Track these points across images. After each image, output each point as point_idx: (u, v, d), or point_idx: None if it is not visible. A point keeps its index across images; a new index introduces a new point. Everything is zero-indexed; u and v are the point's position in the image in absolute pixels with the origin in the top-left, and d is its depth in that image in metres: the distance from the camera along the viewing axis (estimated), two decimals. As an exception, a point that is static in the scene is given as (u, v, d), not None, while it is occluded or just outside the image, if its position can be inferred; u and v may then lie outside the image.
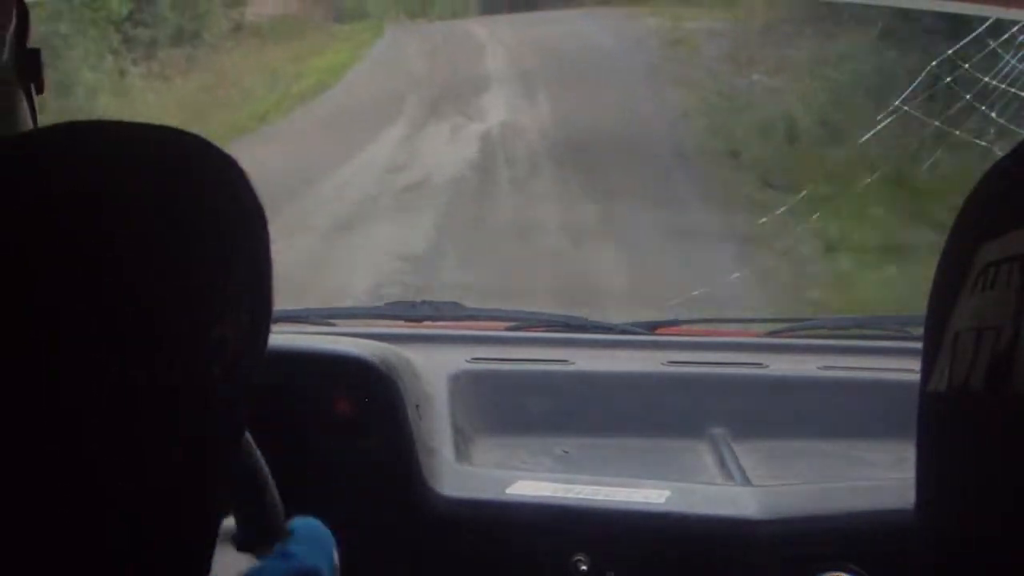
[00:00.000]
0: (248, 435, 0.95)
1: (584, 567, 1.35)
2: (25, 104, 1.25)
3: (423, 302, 1.90)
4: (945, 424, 0.53)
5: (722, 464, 1.53)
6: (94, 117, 0.70)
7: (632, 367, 1.73)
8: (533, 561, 1.40)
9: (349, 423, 1.42)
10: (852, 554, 1.35)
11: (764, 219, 4.90)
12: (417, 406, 1.48)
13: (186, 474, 0.64)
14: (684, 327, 1.91)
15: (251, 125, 7.94)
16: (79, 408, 0.60)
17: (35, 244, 0.60)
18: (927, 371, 0.54)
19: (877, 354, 1.79)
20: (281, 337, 1.52)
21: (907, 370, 1.64)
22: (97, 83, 7.77)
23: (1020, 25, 1.75)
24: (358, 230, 5.83)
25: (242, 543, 0.92)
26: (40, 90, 1.27)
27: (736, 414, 1.64)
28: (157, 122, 0.68)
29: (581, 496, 1.40)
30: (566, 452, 1.58)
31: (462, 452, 1.51)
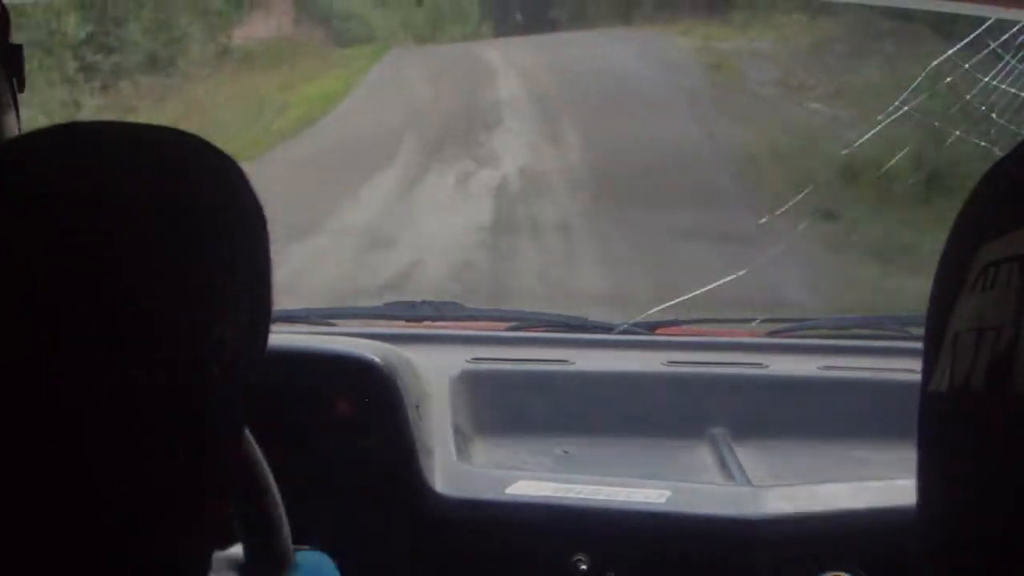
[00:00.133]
0: (259, 455, 0.94)
1: (584, 567, 1.35)
2: (9, 98, 1.24)
3: (423, 302, 1.90)
4: (946, 424, 0.53)
5: (722, 464, 1.53)
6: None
7: (632, 367, 1.73)
8: (533, 561, 1.40)
9: (349, 423, 1.42)
10: (852, 554, 1.35)
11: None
12: (417, 406, 1.48)
13: (185, 474, 0.64)
14: (684, 327, 1.91)
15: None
16: (79, 408, 0.60)
17: (35, 244, 0.60)
18: (928, 371, 0.54)
19: (877, 354, 1.79)
20: (281, 337, 1.52)
21: (907, 370, 1.64)
22: (42, 116, 6.06)
23: (1020, 25, 1.75)
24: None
25: (248, 572, 0.91)
26: (21, 88, 1.25)
27: (736, 414, 1.64)
28: None
29: (581, 496, 1.40)
30: (566, 452, 1.58)
31: (462, 452, 1.51)
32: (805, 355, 1.79)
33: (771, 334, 1.88)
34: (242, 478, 0.94)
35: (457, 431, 1.54)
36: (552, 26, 11.31)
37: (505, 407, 1.63)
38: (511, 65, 9.90)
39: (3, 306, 0.60)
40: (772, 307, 2.09)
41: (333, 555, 0.96)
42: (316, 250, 5.13)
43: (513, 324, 1.90)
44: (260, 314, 0.68)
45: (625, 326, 1.85)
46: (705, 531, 1.38)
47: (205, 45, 8.97)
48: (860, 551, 1.35)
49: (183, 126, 0.66)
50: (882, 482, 1.44)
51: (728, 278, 2.31)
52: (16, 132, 1.22)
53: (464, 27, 11.69)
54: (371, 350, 1.49)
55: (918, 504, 0.55)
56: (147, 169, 0.65)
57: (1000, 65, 2.08)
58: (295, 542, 0.96)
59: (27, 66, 1.24)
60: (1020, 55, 1.99)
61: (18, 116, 1.24)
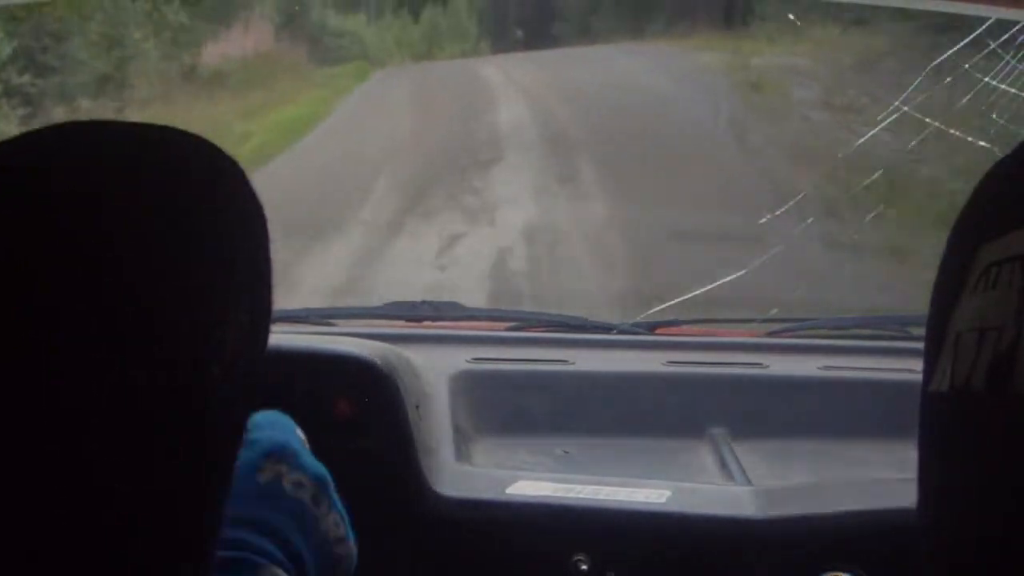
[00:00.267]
0: None
1: (584, 567, 1.35)
2: None
3: (423, 302, 1.90)
4: (947, 424, 0.53)
5: (722, 464, 1.53)
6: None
7: (632, 367, 1.73)
8: (533, 561, 1.39)
9: (349, 423, 1.42)
10: (852, 554, 1.35)
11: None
12: (417, 406, 1.48)
13: (185, 474, 0.64)
14: (684, 327, 1.91)
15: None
16: (79, 408, 0.60)
17: (35, 244, 0.60)
18: (929, 371, 0.54)
19: (877, 354, 1.79)
20: (281, 337, 1.52)
21: (907, 370, 1.64)
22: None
23: (1020, 25, 1.75)
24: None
25: None
26: None
27: (736, 414, 1.63)
28: None
29: (581, 496, 1.40)
30: (566, 452, 1.58)
31: (462, 452, 1.51)
32: (805, 355, 1.79)
33: (771, 334, 1.88)
34: None
35: (457, 431, 1.54)
36: (554, 41, 10.69)
37: (505, 407, 1.63)
38: (512, 85, 8.80)
39: (3, 306, 0.59)
40: (772, 307, 2.07)
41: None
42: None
43: (513, 324, 1.90)
44: (260, 314, 0.68)
45: (625, 326, 1.85)
46: (705, 531, 1.38)
47: (166, 64, 8.01)
48: (860, 551, 1.35)
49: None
50: (882, 482, 1.44)
51: (727, 278, 2.31)
52: None
53: (462, 44, 11.13)
54: (371, 350, 1.49)
55: (919, 504, 0.55)
56: (147, 169, 0.65)
57: (1000, 65, 2.08)
58: None
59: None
60: (1020, 55, 1.99)
61: None
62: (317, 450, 1.40)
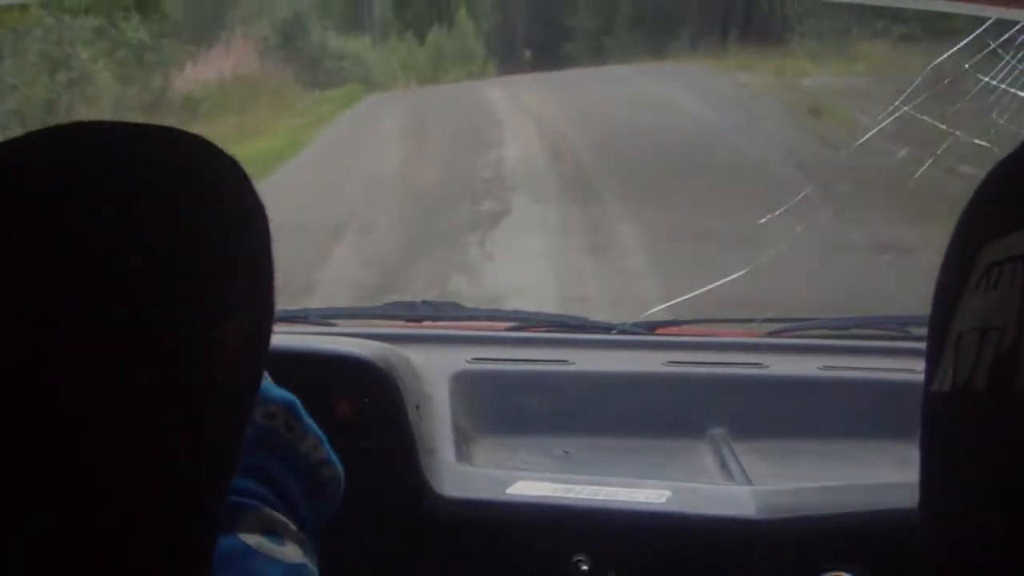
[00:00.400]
0: None
1: (585, 567, 1.35)
2: None
3: (423, 302, 1.90)
4: (948, 424, 0.53)
5: (722, 464, 1.53)
6: None
7: (632, 367, 1.73)
8: (533, 561, 1.39)
9: (349, 423, 1.42)
10: (853, 554, 1.35)
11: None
12: (417, 406, 1.48)
13: (186, 475, 0.64)
14: (684, 327, 1.92)
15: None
16: (79, 408, 0.60)
17: (36, 244, 0.60)
18: (931, 371, 0.54)
19: (877, 354, 1.79)
20: (281, 337, 1.51)
21: (907, 370, 1.64)
22: None
23: (1020, 25, 1.75)
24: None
25: None
26: None
27: (736, 414, 1.63)
28: None
29: (582, 496, 1.40)
30: (566, 452, 1.58)
31: (462, 452, 1.51)
32: (805, 355, 1.79)
33: (771, 334, 1.88)
34: None
35: (457, 431, 1.54)
36: (565, 62, 9.84)
37: (505, 407, 1.63)
38: (521, 110, 7.60)
39: (3, 306, 0.59)
40: (772, 307, 2.07)
41: (333, 555, 0.95)
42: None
43: (513, 324, 1.90)
44: (263, 315, 0.68)
45: (625, 326, 1.84)
46: (705, 531, 1.38)
47: (123, 88, 7.00)
48: (860, 551, 1.35)
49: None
50: (882, 482, 1.44)
51: (728, 278, 2.31)
52: None
53: (469, 66, 10.46)
54: (371, 350, 1.49)
55: (920, 504, 0.55)
56: (149, 169, 0.65)
57: (1000, 65, 2.08)
58: None
59: None
60: (1020, 55, 1.99)
61: None
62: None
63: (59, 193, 0.61)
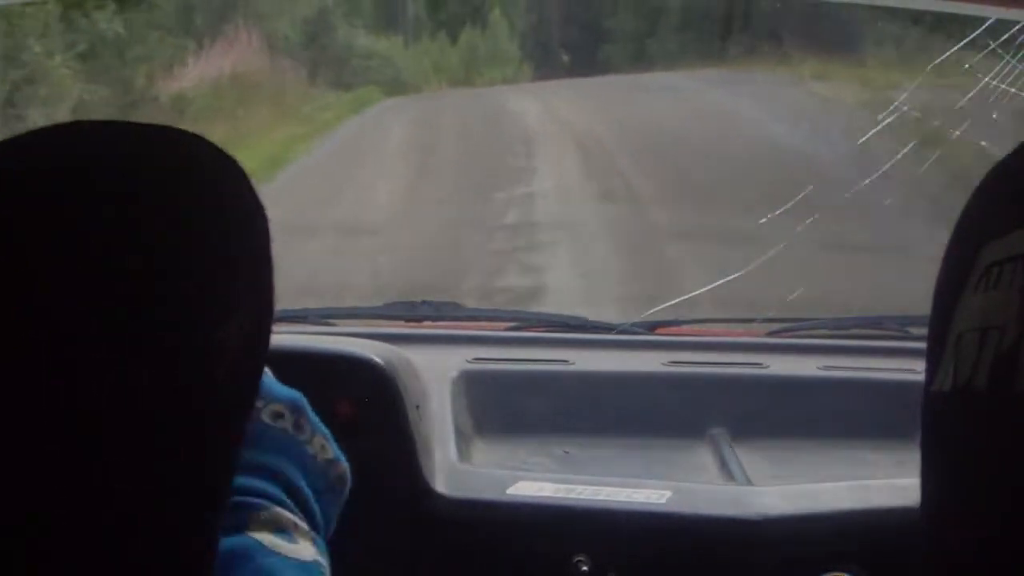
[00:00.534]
0: None
1: (585, 568, 1.35)
2: None
3: (423, 302, 1.90)
4: (949, 424, 0.53)
5: (723, 464, 1.53)
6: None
7: (632, 367, 1.73)
8: (534, 562, 1.39)
9: (349, 423, 1.42)
10: (853, 554, 1.35)
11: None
12: (417, 406, 1.48)
13: (186, 475, 0.64)
14: (684, 327, 1.92)
15: None
16: (79, 408, 0.60)
17: (36, 244, 0.60)
18: (931, 371, 0.54)
19: (877, 354, 1.79)
20: (281, 337, 1.52)
21: (907, 370, 1.64)
22: None
23: (1020, 25, 1.75)
24: None
25: None
26: None
27: (736, 414, 1.64)
28: None
29: (582, 496, 1.40)
30: (566, 452, 1.58)
31: (462, 452, 1.51)
32: (805, 355, 1.79)
33: (771, 334, 1.88)
34: None
35: (457, 431, 1.54)
36: (604, 67, 8.79)
37: (505, 407, 1.63)
38: (557, 124, 6.10)
39: (3, 306, 0.59)
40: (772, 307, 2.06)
41: (333, 555, 0.95)
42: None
43: (513, 324, 1.90)
44: (263, 315, 0.68)
45: (625, 326, 1.84)
46: (705, 531, 1.38)
47: (92, 87, 5.88)
48: (861, 551, 1.35)
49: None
50: (882, 482, 1.44)
51: (727, 278, 2.31)
52: None
53: (503, 69, 9.63)
54: (371, 350, 1.49)
55: (921, 504, 0.55)
56: (149, 169, 0.65)
57: (1000, 65, 2.08)
58: None
59: None
60: (1020, 55, 1.99)
61: None
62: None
63: (59, 193, 0.61)
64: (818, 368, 1.73)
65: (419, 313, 1.88)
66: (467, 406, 1.61)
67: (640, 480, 1.45)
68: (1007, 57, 2.01)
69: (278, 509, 0.78)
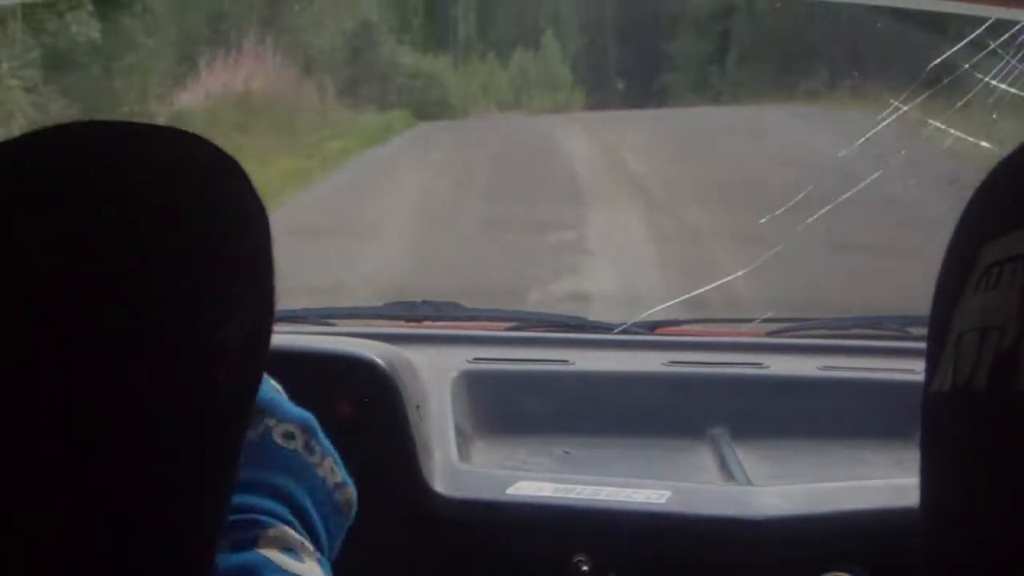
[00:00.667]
0: None
1: (585, 568, 1.35)
2: None
3: (423, 302, 1.90)
4: (948, 425, 0.53)
5: (723, 464, 1.53)
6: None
7: (632, 367, 1.74)
8: (534, 562, 1.39)
9: (349, 423, 1.42)
10: (853, 554, 1.35)
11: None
12: (418, 406, 1.48)
13: (186, 476, 0.64)
14: (684, 327, 1.91)
15: None
16: (79, 408, 0.60)
17: (36, 244, 0.60)
18: (931, 371, 0.54)
19: (877, 354, 1.79)
20: (281, 337, 1.51)
21: (907, 370, 1.64)
22: None
23: (1020, 25, 1.75)
24: None
25: None
26: None
27: (736, 414, 1.64)
28: None
29: (582, 496, 1.40)
30: (567, 452, 1.58)
31: (462, 452, 1.51)
32: (805, 355, 1.79)
33: (771, 334, 1.88)
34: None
35: (457, 431, 1.54)
36: (661, 96, 7.83)
37: (505, 407, 1.63)
38: (617, 173, 4.94)
39: (3, 306, 0.59)
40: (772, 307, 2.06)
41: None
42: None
43: (513, 324, 1.90)
44: (263, 315, 0.68)
45: (625, 326, 1.84)
46: (706, 531, 1.38)
47: (41, 102, 4.93)
48: (861, 551, 1.35)
49: None
50: (883, 482, 1.44)
51: (727, 278, 2.31)
52: None
53: (554, 94, 9.05)
54: (371, 350, 1.49)
55: (921, 504, 0.55)
56: (149, 169, 0.65)
57: (1000, 65, 2.08)
58: None
59: None
60: (1020, 55, 1.99)
61: None
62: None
63: (58, 193, 0.61)
64: (818, 368, 1.73)
65: (419, 313, 1.88)
66: (467, 406, 1.61)
67: (640, 480, 1.45)
68: (1007, 57, 2.01)
69: (286, 528, 0.78)
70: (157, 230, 0.62)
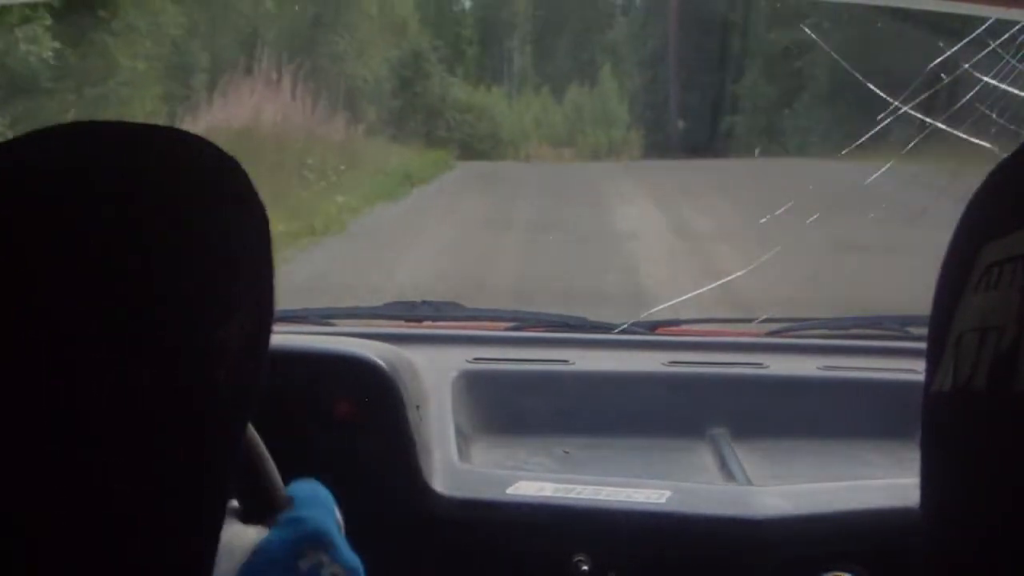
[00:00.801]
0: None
1: (585, 567, 1.35)
2: None
3: (423, 302, 1.90)
4: (949, 424, 0.53)
5: (723, 464, 1.53)
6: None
7: (632, 367, 1.73)
8: (534, 562, 1.39)
9: (349, 423, 1.42)
10: (853, 554, 1.35)
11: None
12: (417, 406, 1.48)
13: (187, 476, 0.64)
14: (684, 327, 1.92)
15: None
16: (79, 408, 0.60)
17: (36, 244, 0.60)
18: (931, 371, 0.54)
19: (877, 354, 1.79)
20: (281, 337, 1.52)
21: (907, 370, 1.64)
22: None
23: (1020, 25, 1.75)
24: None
25: (246, 516, 0.92)
26: None
27: (736, 414, 1.64)
28: None
29: (582, 496, 1.40)
30: (567, 452, 1.58)
31: (462, 452, 1.51)
32: (805, 355, 1.79)
33: (771, 334, 1.88)
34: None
35: (457, 431, 1.54)
36: (724, 141, 7.18)
37: (505, 407, 1.63)
38: (691, 266, 4.11)
39: (3, 306, 0.59)
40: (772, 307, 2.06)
41: None
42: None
43: (513, 324, 1.90)
44: (263, 315, 0.68)
45: (625, 326, 1.84)
46: (706, 531, 1.38)
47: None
48: (861, 551, 1.35)
49: None
50: (883, 482, 1.44)
51: (728, 278, 2.31)
52: None
53: (609, 132, 8.60)
54: (371, 350, 1.49)
55: (921, 504, 0.55)
56: (150, 169, 0.65)
57: (1000, 65, 2.08)
58: None
59: None
60: (1020, 55, 1.99)
61: None
62: (317, 450, 1.41)
63: (59, 193, 0.61)
64: (818, 368, 1.73)
65: (419, 313, 1.88)
66: (467, 406, 1.61)
67: (640, 480, 1.45)
68: (1007, 57, 2.01)
69: None
70: (157, 230, 0.62)
